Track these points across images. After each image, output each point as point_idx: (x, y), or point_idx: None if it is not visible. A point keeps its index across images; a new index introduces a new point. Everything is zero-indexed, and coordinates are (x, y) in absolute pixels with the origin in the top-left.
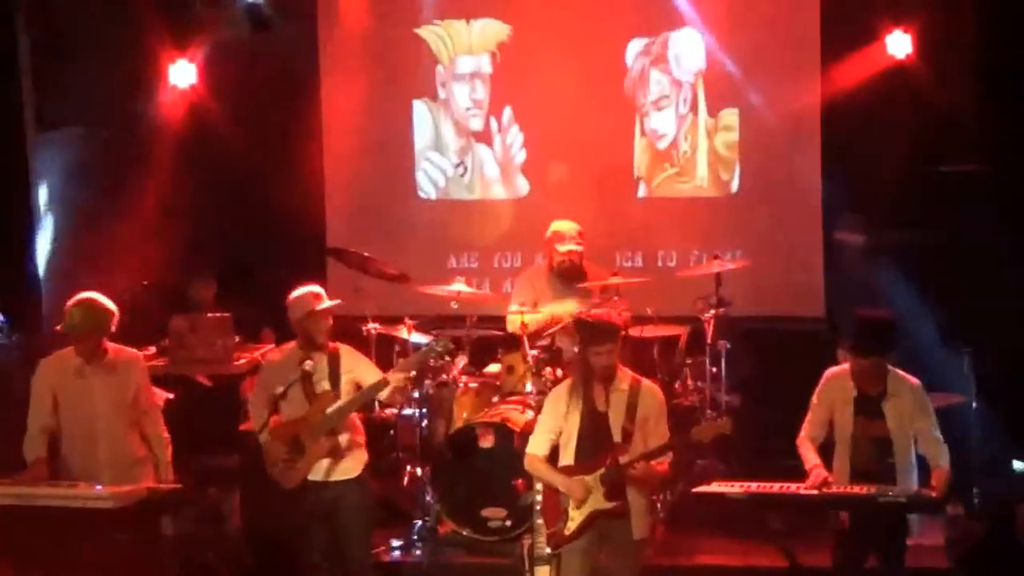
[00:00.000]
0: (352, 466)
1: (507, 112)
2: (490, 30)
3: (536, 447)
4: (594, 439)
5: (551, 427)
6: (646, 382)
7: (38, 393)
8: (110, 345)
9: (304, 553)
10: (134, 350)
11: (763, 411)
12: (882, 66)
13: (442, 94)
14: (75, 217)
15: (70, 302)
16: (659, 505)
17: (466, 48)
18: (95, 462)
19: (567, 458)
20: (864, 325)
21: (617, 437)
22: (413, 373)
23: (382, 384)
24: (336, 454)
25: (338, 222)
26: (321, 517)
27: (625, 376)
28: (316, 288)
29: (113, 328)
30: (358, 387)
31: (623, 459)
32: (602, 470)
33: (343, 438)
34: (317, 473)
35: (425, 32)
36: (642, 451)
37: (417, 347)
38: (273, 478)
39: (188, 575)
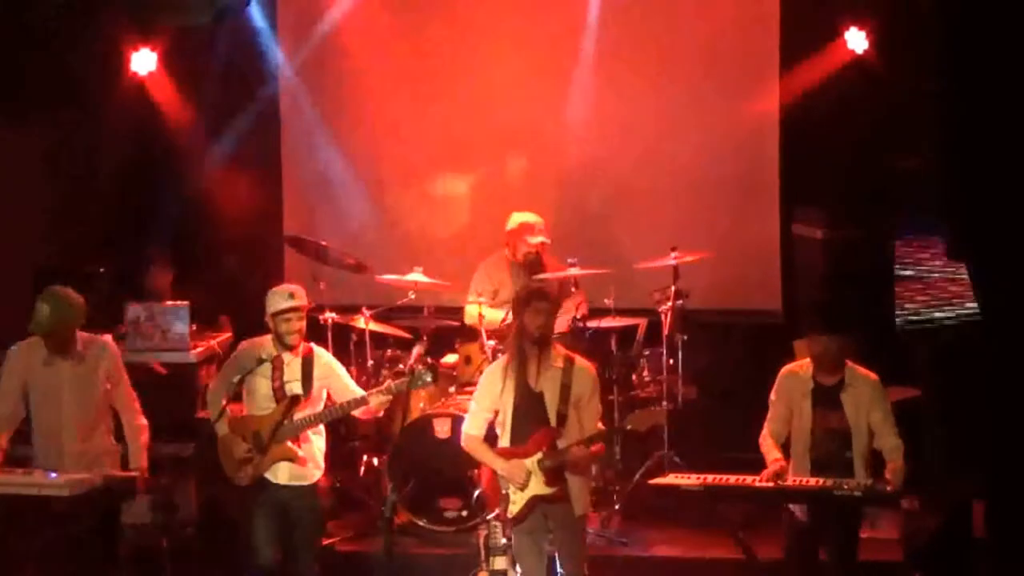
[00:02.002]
0: (310, 472)
1: None
2: None
3: (472, 427)
4: (530, 419)
5: (486, 406)
6: (579, 359)
7: (6, 381)
8: (80, 335)
9: (256, 546)
10: (105, 337)
11: (720, 403)
12: (841, 62)
13: None
14: (32, 202)
15: (38, 298)
16: (615, 496)
17: None
18: (61, 453)
19: (504, 438)
20: (823, 304)
21: (552, 420)
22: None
23: (358, 403)
24: (297, 460)
25: (295, 211)
26: (274, 517)
27: (559, 353)
28: (292, 287)
29: (82, 319)
30: (329, 396)
31: (560, 444)
32: (539, 456)
33: (307, 446)
34: (273, 474)
35: None
36: (577, 433)
37: (400, 373)
38: (225, 472)
39: (142, 563)
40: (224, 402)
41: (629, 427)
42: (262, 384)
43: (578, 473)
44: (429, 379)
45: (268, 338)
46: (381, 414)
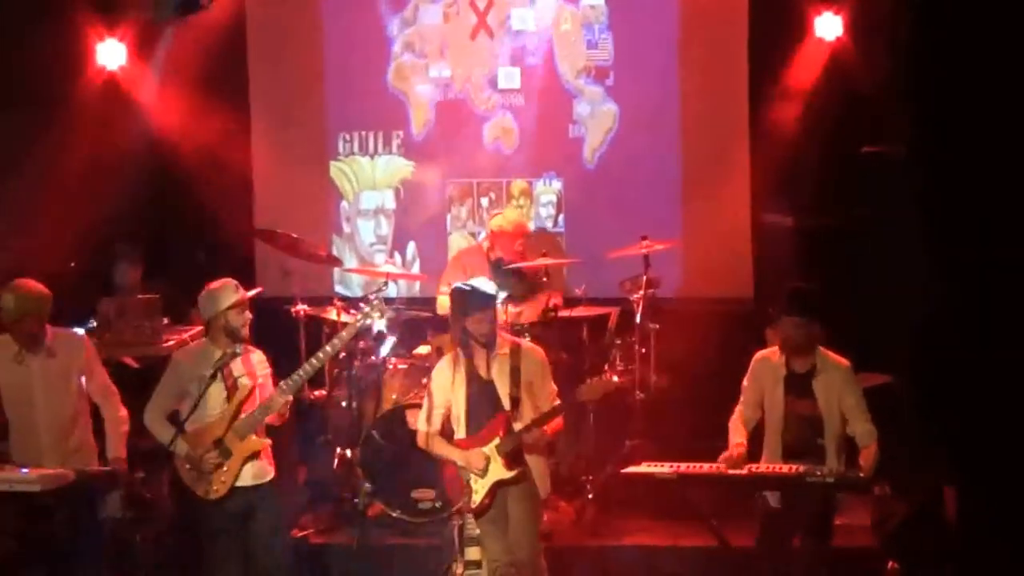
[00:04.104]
0: (267, 468)
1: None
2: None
3: (426, 423)
4: (484, 409)
5: (439, 402)
6: (525, 343)
7: None
8: (51, 329)
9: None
10: (77, 331)
11: (692, 391)
12: (810, 48)
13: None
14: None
15: (1, 290)
16: (588, 486)
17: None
18: (38, 449)
19: (460, 431)
20: (793, 289)
21: (506, 405)
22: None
23: (319, 360)
24: (263, 451)
25: (266, 204)
26: (240, 523)
27: (504, 341)
28: (230, 280)
29: (48, 311)
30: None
31: (516, 426)
32: (497, 440)
33: (266, 440)
34: (240, 478)
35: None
36: (532, 415)
37: (372, 365)
38: (194, 492)
39: (116, 558)
40: (172, 427)
41: (582, 399)
42: (216, 388)
43: (537, 453)
44: (378, 315)
45: (204, 343)
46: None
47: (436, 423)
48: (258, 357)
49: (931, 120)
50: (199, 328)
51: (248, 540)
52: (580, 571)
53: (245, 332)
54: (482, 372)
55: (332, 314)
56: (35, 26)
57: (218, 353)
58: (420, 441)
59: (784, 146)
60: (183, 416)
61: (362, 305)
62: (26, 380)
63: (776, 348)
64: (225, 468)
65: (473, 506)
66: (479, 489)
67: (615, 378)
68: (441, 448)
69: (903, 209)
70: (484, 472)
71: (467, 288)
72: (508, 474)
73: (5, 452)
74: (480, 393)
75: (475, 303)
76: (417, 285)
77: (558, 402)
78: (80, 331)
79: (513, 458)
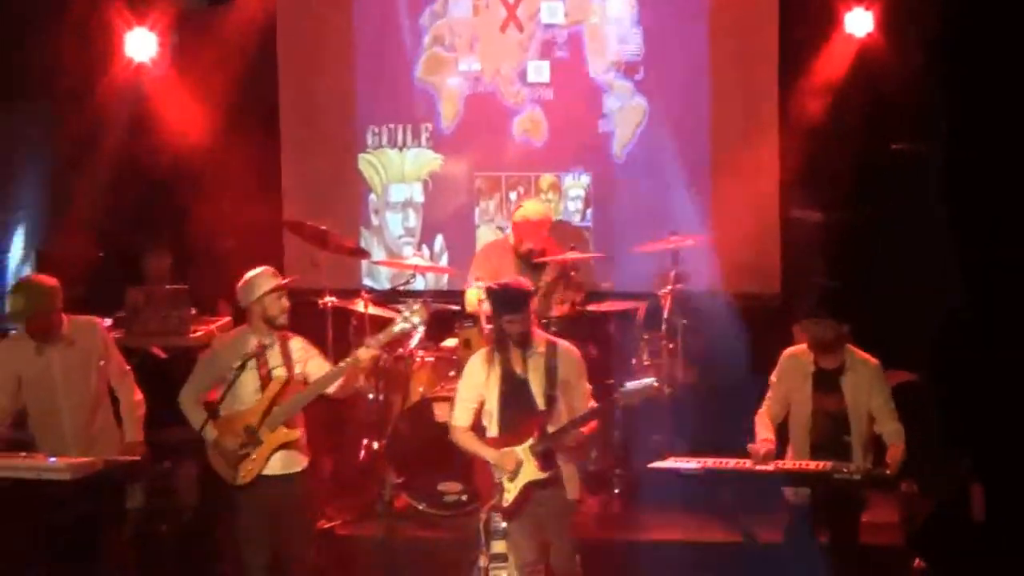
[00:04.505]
0: (299, 459)
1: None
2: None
3: (459, 419)
4: (517, 407)
5: (471, 396)
6: (562, 343)
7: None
8: (66, 317)
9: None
10: (93, 317)
11: (719, 386)
12: (841, 44)
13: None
14: (29, 189)
15: (10, 288)
16: (614, 481)
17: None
18: (62, 438)
19: (492, 429)
20: (822, 289)
21: (541, 404)
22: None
23: (341, 371)
24: (290, 445)
25: (294, 195)
26: (269, 512)
27: (541, 339)
28: (269, 268)
29: (60, 303)
30: (307, 379)
31: (550, 428)
32: (531, 441)
33: (298, 430)
34: (266, 467)
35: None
36: (568, 417)
37: (383, 323)
38: (223, 476)
39: (141, 548)
40: (204, 411)
41: (622, 402)
42: (249, 377)
43: (571, 456)
44: (416, 319)
45: (244, 329)
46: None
47: (468, 419)
48: (298, 344)
49: (961, 118)
50: (227, 319)
51: (276, 529)
52: (606, 566)
53: (283, 320)
54: (517, 370)
55: (360, 306)
56: (63, 14)
57: (255, 340)
58: (452, 436)
59: (813, 142)
60: (218, 402)
61: (403, 310)
62: (47, 371)
63: (805, 345)
64: (253, 456)
65: (505, 505)
66: (511, 489)
67: (655, 382)
68: (473, 445)
69: (932, 206)
70: (516, 473)
71: (502, 287)
72: (541, 475)
73: (31, 441)
74: (514, 391)
75: (510, 302)
76: (445, 278)
77: (593, 404)
78: (94, 317)
79: (546, 459)
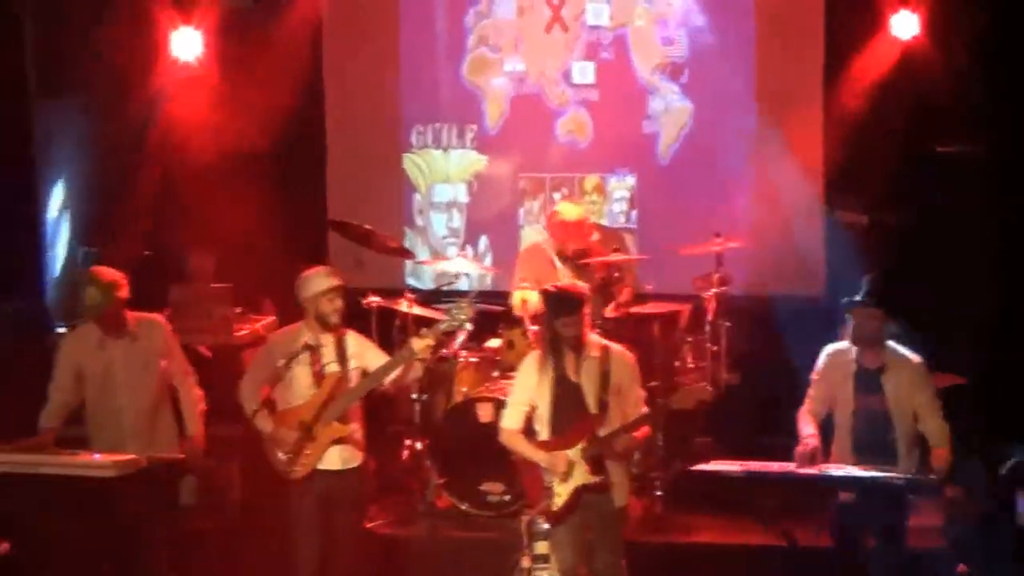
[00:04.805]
0: (354, 455)
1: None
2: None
3: (510, 421)
4: (569, 411)
5: (523, 399)
6: (615, 347)
7: (62, 368)
8: (131, 313)
9: (302, 539)
10: (156, 315)
11: (762, 389)
12: (886, 45)
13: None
14: (76, 186)
15: (84, 280)
16: (657, 483)
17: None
18: (120, 434)
19: (543, 432)
20: (866, 280)
21: (593, 408)
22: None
23: (397, 362)
24: (345, 440)
25: (339, 195)
26: (321, 506)
27: (595, 343)
28: (326, 268)
29: (126, 296)
30: (364, 373)
31: (602, 432)
32: (583, 444)
33: (352, 425)
34: (322, 461)
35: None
36: (620, 422)
37: (427, 323)
38: (277, 469)
39: (187, 545)
40: (259, 398)
41: (675, 407)
42: (302, 372)
43: (621, 461)
44: (463, 316)
45: (299, 325)
46: (419, 374)
47: (519, 421)
48: (353, 338)
49: (1007, 120)
50: (271, 318)
51: (328, 523)
52: (648, 568)
53: (334, 319)
54: (570, 374)
55: (403, 306)
56: (109, 13)
57: (308, 335)
58: (502, 438)
59: (858, 144)
60: (272, 396)
61: (450, 308)
62: (109, 366)
63: (847, 343)
64: (307, 451)
65: (554, 509)
66: (561, 492)
67: (708, 387)
68: (524, 448)
69: (977, 208)
70: (567, 476)
71: (558, 289)
72: (592, 479)
73: (81, 438)
74: (566, 395)
75: (564, 306)
76: (489, 278)
77: (646, 409)
78: (158, 315)
79: (598, 463)
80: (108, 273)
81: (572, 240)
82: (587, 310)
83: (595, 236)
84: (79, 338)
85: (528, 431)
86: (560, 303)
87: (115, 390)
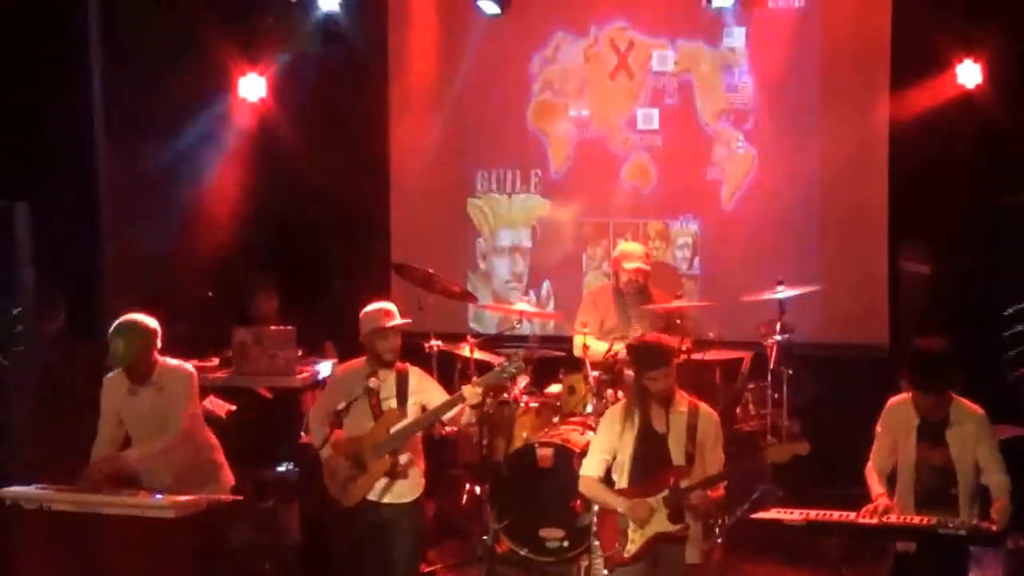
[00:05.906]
0: (410, 489)
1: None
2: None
3: (591, 468)
4: (650, 462)
5: (605, 448)
6: (703, 406)
7: (104, 409)
8: (159, 361)
9: (355, 569)
10: (186, 366)
11: (824, 438)
12: (951, 95)
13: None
14: (142, 226)
15: (110, 331)
16: (718, 529)
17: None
18: (162, 474)
19: (621, 481)
20: (922, 359)
21: (680, 459)
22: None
23: (450, 405)
24: (396, 474)
25: (403, 238)
26: (374, 537)
27: (683, 399)
28: (388, 305)
29: (155, 345)
30: (424, 409)
31: (684, 483)
32: (665, 492)
33: (404, 458)
34: (375, 493)
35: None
36: (702, 476)
37: (489, 367)
38: (332, 495)
39: None
40: (328, 428)
41: (770, 460)
42: (362, 407)
43: (698, 517)
44: (513, 369)
45: (361, 361)
46: (473, 420)
47: (600, 470)
48: (415, 375)
49: None
50: (332, 361)
51: (380, 556)
52: None
53: (389, 357)
54: (657, 426)
55: (465, 351)
56: (179, 61)
57: (367, 372)
58: (582, 486)
59: (923, 193)
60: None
61: (505, 361)
62: (140, 410)
63: (909, 395)
64: (359, 481)
65: (626, 555)
66: (636, 539)
67: (807, 444)
68: (604, 495)
69: None
70: (645, 523)
71: (643, 344)
72: (671, 527)
73: (137, 478)
74: (650, 446)
75: (651, 361)
76: (551, 324)
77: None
78: (187, 364)
79: (678, 513)
80: (134, 324)
81: (621, 265)
82: (674, 364)
83: (636, 265)
84: (113, 384)
85: (605, 480)
86: (647, 357)
87: (150, 434)
